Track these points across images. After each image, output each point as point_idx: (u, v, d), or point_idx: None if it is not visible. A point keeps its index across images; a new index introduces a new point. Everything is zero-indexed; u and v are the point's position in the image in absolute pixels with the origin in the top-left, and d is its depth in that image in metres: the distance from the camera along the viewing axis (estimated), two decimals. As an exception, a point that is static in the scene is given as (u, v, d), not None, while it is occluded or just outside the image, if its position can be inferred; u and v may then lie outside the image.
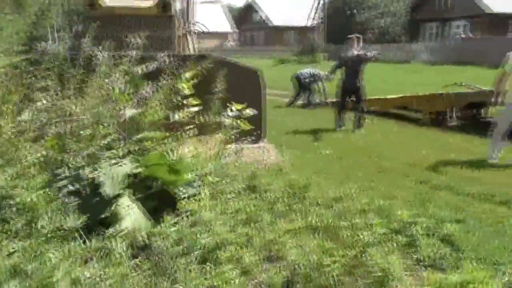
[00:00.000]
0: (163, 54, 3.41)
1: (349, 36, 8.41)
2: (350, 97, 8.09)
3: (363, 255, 2.40)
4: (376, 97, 10.04)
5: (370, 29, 34.12)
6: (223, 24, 47.51)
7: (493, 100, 5.98)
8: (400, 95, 9.99)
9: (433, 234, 2.95)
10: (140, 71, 3.24)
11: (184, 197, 3.15)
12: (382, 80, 14.84)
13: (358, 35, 8.43)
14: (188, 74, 3.66)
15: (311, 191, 3.68)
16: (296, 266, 2.42)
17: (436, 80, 13.29)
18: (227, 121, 3.68)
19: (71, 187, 2.81)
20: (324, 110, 10.14)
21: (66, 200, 2.72)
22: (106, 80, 3.22)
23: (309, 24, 36.82)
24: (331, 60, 27.56)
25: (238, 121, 3.74)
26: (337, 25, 33.37)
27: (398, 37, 34.31)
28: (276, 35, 45.12)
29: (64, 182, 2.85)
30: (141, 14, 6.04)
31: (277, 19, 45.70)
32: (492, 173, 5.19)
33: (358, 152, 6.16)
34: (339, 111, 8.15)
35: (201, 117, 3.62)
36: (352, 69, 7.84)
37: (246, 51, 38.06)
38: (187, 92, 3.62)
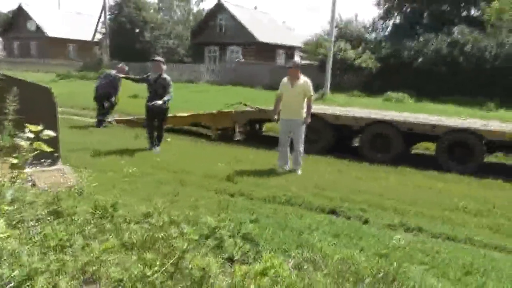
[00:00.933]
0: None
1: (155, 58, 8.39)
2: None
3: (181, 261, 2.62)
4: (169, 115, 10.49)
5: (158, 48, 35.04)
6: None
7: (275, 117, 7.05)
8: (191, 113, 10.70)
9: (236, 234, 3.39)
10: None
11: (-25, 231, 2.77)
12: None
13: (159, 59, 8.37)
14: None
15: (119, 209, 3.70)
16: (118, 282, 2.46)
17: (219, 99, 14.67)
18: (24, 144, 3.38)
19: None
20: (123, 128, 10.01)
21: None
22: None
23: (92, 38, 35.23)
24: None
25: (36, 144, 3.48)
26: (122, 41, 33.02)
27: (184, 57, 36.26)
28: (55, 47, 41.45)
29: None
30: None
31: (53, 29, 42.09)
32: (274, 179, 6.16)
33: (160, 169, 6.37)
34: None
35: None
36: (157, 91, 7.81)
37: (17, 63, 33.79)
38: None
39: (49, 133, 3.59)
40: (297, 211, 4.61)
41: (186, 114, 10.69)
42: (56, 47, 41.19)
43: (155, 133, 8.13)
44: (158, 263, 2.60)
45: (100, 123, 10.65)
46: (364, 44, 24.29)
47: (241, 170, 6.53)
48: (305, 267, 2.85)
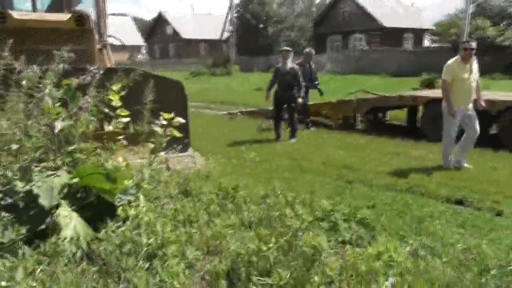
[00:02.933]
0: (94, 67, 3.48)
1: (284, 48, 8.48)
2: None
3: (295, 239, 2.72)
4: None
5: (281, 41, 35.87)
6: (134, 37, 46.56)
7: (453, 109, 5.74)
8: (311, 103, 10.76)
9: (351, 219, 3.37)
10: (75, 84, 3.28)
11: (122, 204, 3.25)
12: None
13: (289, 49, 8.45)
14: (116, 86, 3.75)
15: (240, 191, 3.97)
16: (237, 255, 2.67)
17: (341, 89, 14.47)
18: (158, 130, 3.83)
19: (7, 200, 2.78)
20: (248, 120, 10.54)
21: (2, 214, 2.70)
22: (35, 94, 3.21)
23: (221, 37, 37.50)
24: (242, 72, 28.47)
25: (169, 130, 3.91)
26: (247, 38, 34.51)
27: (305, 48, 36.44)
28: (187, 47, 45.23)
29: (-2, 196, 2.81)
30: (56, 28, 5.91)
31: (188, 32, 45.90)
32: (395, 168, 5.90)
33: (279, 156, 6.59)
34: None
35: (132, 127, 3.75)
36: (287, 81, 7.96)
37: (158, 64, 37.67)
38: (116, 103, 3.71)
39: (180, 120, 4.00)
40: (419, 200, 4.36)
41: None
42: (190, 48, 44.95)
43: (289, 125, 8.30)
44: (273, 239, 2.74)
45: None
46: (507, 20, 21.49)
47: (360, 158, 6.40)
48: (423, 253, 2.72)
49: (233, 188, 4.02)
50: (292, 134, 8.20)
